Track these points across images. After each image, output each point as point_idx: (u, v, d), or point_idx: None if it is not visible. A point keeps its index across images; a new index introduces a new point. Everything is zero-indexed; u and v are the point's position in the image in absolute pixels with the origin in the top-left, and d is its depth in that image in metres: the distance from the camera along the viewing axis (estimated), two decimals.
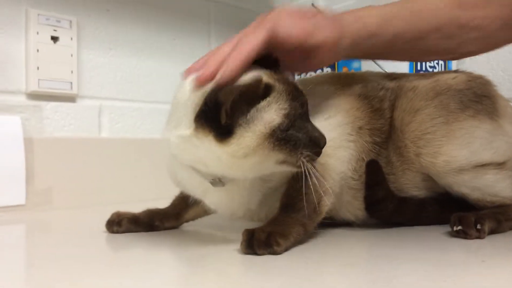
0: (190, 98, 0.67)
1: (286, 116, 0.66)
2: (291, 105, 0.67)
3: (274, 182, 0.76)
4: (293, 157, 0.67)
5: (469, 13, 0.82)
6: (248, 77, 0.67)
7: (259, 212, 0.78)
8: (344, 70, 1.32)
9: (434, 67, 1.32)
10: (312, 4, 1.37)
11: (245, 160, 0.66)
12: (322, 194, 0.74)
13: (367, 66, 1.26)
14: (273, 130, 0.65)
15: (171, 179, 0.82)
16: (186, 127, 0.66)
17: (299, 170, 0.68)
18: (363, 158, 0.80)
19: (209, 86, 0.66)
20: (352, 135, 0.80)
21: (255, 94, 0.65)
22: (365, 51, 0.82)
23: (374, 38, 0.79)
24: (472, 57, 1.53)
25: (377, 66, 1.23)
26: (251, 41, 0.68)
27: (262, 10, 1.59)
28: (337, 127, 0.79)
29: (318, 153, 0.69)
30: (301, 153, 0.67)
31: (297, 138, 0.67)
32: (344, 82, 0.88)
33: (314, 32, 0.73)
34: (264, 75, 0.68)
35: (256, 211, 0.78)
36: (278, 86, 0.67)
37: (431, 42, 0.83)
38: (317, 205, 0.73)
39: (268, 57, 0.71)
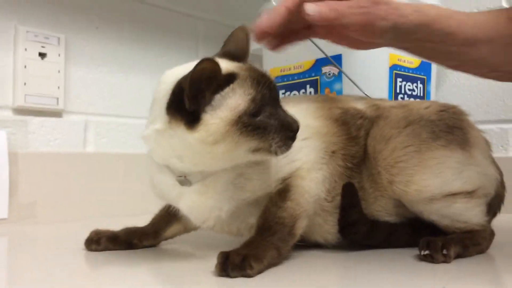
0: (161, 93, 0.71)
1: (252, 100, 0.68)
2: (257, 90, 0.69)
3: (248, 193, 0.77)
4: (265, 143, 0.69)
5: None
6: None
7: (230, 225, 0.80)
8: (327, 91, 1.36)
9: (413, 90, 1.36)
10: None
11: (216, 146, 0.68)
12: (297, 217, 0.77)
13: (349, 88, 1.29)
14: (239, 116, 0.67)
15: (151, 187, 0.84)
16: (161, 120, 0.70)
17: (274, 156, 0.70)
18: (335, 181, 0.83)
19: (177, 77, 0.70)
20: (325, 158, 0.82)
21: (214, 79, 0.67)
22: (411, 41, 0.79)
23: (422, 30, 0.77)
24: (452, 81, 1.59)
25: (358, 90, 1.26)
26: None
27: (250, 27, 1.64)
28: (312, 150, 0.81)
29: (292, 138, 0.71)
30: (273, 139, 0.69)
31: (267, 123, 0.69)
32: (326, 105, 0.90)
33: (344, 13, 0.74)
34: (228, 65, 0.71)
35: (227, 222, 0.80)
36: (243, 74, 0.70)
37: (480, 53, 0.80)
38: (292, 228, 0.76)
39: (239, 52, 0.76)
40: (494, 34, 0.79)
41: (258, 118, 0.68)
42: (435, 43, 0.79)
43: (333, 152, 0.83)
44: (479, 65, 0.84)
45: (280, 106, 0.72)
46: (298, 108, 0.87)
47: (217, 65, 0.66)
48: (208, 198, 0.75)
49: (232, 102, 0.67)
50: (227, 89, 0.68)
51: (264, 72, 0.72)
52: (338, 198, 0.82)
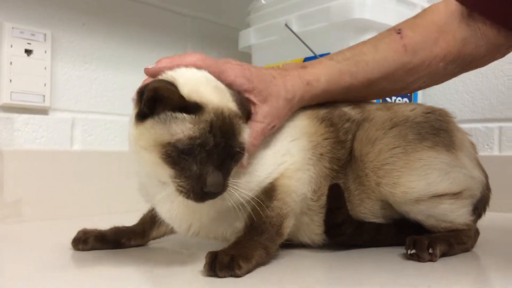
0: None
1: (190, 140, 0.66)
2: (203, 136, 0.67)
3: (230, 202, 0.76)
4: (175, 180, 0.68)
5: (417, 57, 0.87)
6: (192, 89, 0.70)
7: (216, 230, 0.80)
8: None
9: None
10: (286, 25, 1.40)
11: (144, 152, 0.70)
12: (284, 216, 0.77)
13: None
14: (169, 143, 0.67)
15: (138, 188, 0.84)
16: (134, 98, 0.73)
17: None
18: (321, 181, 0.83)
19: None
20: (312, 159, 0.82)
21: (169, 100, 0.67)
22: (318, 101, 0.88)
23: (323, 95, 0.86)
24: None
25: None
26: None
27: (238, 26, 1.63)
28: (300, 151, 0.82)
29: (201, 197, 0.68)
30: (181, 182, 0.67)
31: (187, 167, 0.67)
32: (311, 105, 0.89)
33: (266, 98, 0.78)
34: (212, 95, 0.70)
35: (212, 227, 0.80)
36: (208, 114, 0.68)
37: (381, 87, 0.89)
38: (279, 228, 0.76)
39: None
40: (388, 70, 0.87)
41: (185, 157, 0.67)
42: (338, 95, 0.88)
43: (321, 154, 0.84)
44: (384, 94, 0.95)
45: (218, 166, 0.67)
46: None
47: (172, 92, 0.67)
48: (185, 205, 0.75)
49: (173, 128, 0.67)
50: (180, 114, 0.67)
51: (228, 130, 0.69)
52: (323, 198, 0.83)
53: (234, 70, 0.76)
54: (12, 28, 1.22)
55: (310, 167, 0.82)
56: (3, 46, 1.21)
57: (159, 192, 0.75)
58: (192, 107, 0.68)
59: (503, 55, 0.91)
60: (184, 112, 0.67)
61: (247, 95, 0.77)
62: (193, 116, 0.68)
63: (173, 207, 0.76)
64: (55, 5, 1.32)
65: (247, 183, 0.76)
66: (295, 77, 0.82)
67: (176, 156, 0.67)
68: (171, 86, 0.68)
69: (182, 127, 0.67)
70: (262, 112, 0.77)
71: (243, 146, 0.72)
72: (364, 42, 0.90)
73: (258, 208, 0.76)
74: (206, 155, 0.67)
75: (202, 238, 0.82)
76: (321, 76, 0.84)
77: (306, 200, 0.82)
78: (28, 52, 1.25)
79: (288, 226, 0.78)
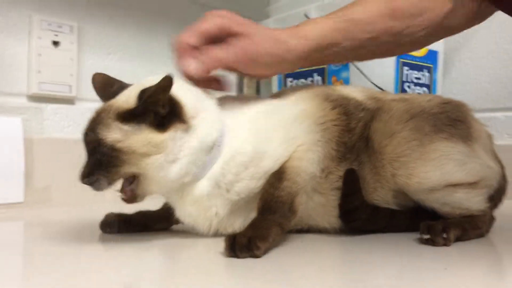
0: None
1: None
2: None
3: (241, 196, 0.81)
4: None
5: (403, 23, 0.88)
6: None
7: (233, 224, 0.84)
8: (333, 79, 1.38)
9: (419, 78, 1.37)
10: (305, 15, 1.42)
11: None
12: (295, 194, 0.80)
13: (356, 76, 1.31)
14: None
15: None
16: None
17: None
18: (328, 162, 0.85)
19: None
20: (321, 141, 0.84)
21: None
22: (310, 62, 0.90)
23: (315, 53, 0.86)
24: (458, 70, 1.60)
25: (365, 78, 1.28)
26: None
27: (257, 16, 1.65)
28: (308, 133, 0.83)
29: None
30: None
31: None
32: (324, 90, 0.91)
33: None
34: (121, 97, 0.83)
35: (229, 222, 0.83)
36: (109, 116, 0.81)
37: (369, 49, 0.91)
38: (291, 205, 0.79)
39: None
40: (376, 32, 0.88)
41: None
42: (327, 56, 0.90)
43: (329, 138, 0.85)
44: (371, 57, 0.98)
45: (89, 157, 0.85)
46: (295, 97, 0.89)
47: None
48: (202, 204, 0.81)
49: None
50: None
51: (89, 123, 0.85)
52: (331, 176, 0.85)
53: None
54: (41, 20, 1.27)
55: (319, 148, 0.84)
56: (32, 38, 1.26)
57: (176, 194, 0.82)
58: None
59: (480, 22, 0.94)
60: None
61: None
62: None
63: (192, 209, 0.82)
64: None
65: (254, 173, 0.80)
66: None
67: None
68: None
69: None
70: None
71: (98, 140, 0.81)
72: (355, 2, 0.91)
73: (269, 189, 0.79)
74: None
75: (221, 234, 0.85)
76: (314, 28, 0.86)
77: (315, 178, 0.84)
78: (56, 43, 1.30)
79: (300, 203, 0.81)
